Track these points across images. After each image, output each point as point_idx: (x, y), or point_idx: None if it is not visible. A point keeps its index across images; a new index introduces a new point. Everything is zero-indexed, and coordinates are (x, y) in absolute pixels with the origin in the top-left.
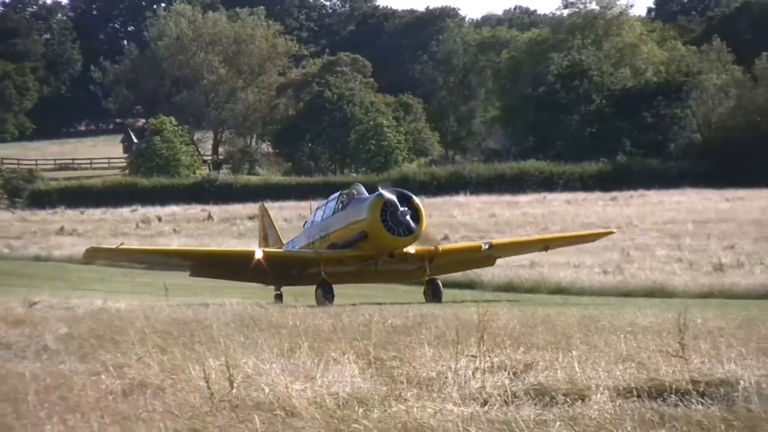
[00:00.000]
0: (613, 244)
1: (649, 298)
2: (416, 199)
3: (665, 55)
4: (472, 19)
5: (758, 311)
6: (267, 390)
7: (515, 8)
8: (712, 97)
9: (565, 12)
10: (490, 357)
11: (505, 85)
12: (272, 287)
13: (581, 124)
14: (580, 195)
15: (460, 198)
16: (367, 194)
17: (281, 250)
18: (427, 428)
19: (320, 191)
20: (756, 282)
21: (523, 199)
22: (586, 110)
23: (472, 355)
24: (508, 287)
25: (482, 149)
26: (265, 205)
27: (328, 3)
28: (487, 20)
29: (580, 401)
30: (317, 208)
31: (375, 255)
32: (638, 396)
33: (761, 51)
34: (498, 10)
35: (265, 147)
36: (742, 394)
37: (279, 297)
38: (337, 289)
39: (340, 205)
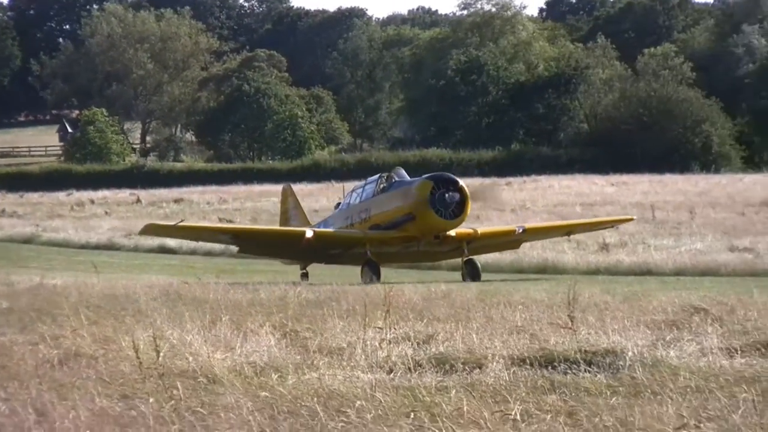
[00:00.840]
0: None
1: (541, 275)
2: (461, 183)
3: (555, 51)
4: (379, 19)
5: (640, 287)
6: (191, 359)
7: (418, 9)
8: (598, 90)
9: (464, 12)
10: (395, 329)
11: (408, 79)
12: (298, 266)
13: (478, 114)
14: (477, 180)
15: None
16: (408, 177)
17: (329, 230)
18: (338, 394)
19: (240, 176)
20: (639, 260)
21: None
22: (483, 102)
23: (379, 327)
24: (411, 265)
25: (388, 138)
26: (199, 189)
27: (246, 3)
28: (393, 19)
29: (477, 369)
30: (353, 191)
31: (419, 236)
32: (531, 364)
33: (642, 48)
34: (403, 10)
35: (189, 136)
36: (626, 363)
37: (305, 275)
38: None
39: (380, 188)
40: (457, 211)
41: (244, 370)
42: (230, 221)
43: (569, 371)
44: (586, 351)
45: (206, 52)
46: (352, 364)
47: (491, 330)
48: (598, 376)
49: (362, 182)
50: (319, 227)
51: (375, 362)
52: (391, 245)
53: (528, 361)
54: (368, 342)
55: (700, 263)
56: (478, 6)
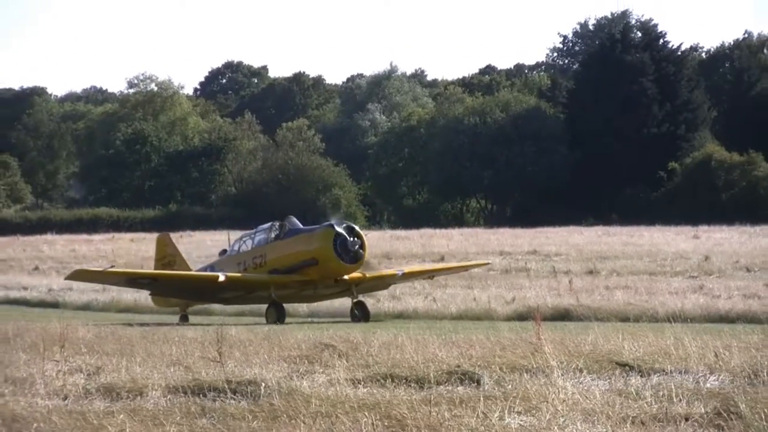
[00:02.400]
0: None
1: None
2: (359, 229)
3: (208, 125)
4: (57, 96)
5: (280, 327)
6: None
7: (91, 87)
8: (244, 158)
9: (131, 91)
10: (70, 362)
11: (82, 148)
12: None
13: (142, 179)
14: (142, 235)
15: (48, 237)
16: (300, 225)
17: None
18: (20, 417)
19: None
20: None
21: (97, 237)
22: (146, 168)
23: (56, 360)
24: (86, 306)
25: (65, 198)
26: None
27: None
28: (69, 97)
29: (139, 396)
30: (241, 238)
31: (318, 279)
32: (185, 393)
33: (281, 122)
34: (78, 89)
35: None
36: (265, 392)
37: (185, 317)
38: None
39: (274, 235)
40: (359, 256)
41: None
42: None
43: (217, 398)
44: (231, 381)
45: None
46: (32, 391)
47: (152, 363)
48: (242, 402)
49: (252, 230)
50: (205, 272)
51: (52, 390)
52: (290, 288)
53: (182, 389)
54: (47, 373)
55: (330, 308)
56: (143, 86)
